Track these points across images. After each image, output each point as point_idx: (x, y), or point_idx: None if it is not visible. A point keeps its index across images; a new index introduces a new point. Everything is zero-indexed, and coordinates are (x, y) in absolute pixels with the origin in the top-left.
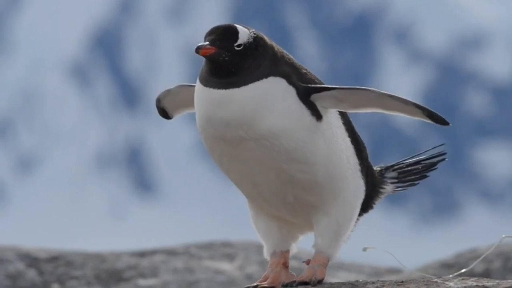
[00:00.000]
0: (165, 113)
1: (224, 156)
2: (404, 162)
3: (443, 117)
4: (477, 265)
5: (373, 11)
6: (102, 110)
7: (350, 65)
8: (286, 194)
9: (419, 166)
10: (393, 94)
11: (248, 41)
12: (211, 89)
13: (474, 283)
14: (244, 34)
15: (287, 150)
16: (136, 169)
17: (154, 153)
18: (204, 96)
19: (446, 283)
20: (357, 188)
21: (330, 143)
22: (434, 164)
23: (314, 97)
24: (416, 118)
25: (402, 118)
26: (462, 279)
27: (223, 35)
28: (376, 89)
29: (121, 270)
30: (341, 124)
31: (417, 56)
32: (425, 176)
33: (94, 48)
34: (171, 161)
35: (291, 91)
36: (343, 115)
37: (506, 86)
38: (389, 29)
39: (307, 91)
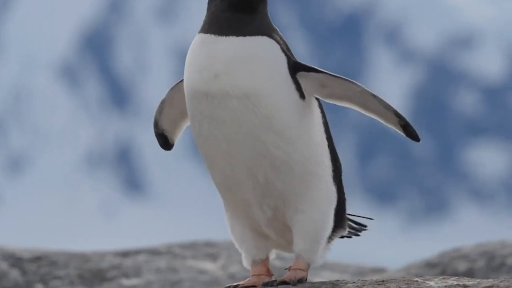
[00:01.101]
0: (166, 141)
1: (205, 120)
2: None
3: (417, 133)
4: (460, 264)
5: (363, 11)
6: (92, 110)
7: (340, 64)
8: (257, 173)
9: (352, 224)
10: (377, 95)
11: None
12: (211, 36)
13: (455, 282)
14: None
15: (267, 116)
16: (125, 169)
17: (143, 153)
18: (200, 45)
19: (427, 282)
20: (329, 191)
21: (309, 128)
22: (358, 230)
23: (300, 75)
24: (390, 126)
25: None
26: (443, 279)
27: None
28: (362, 86)
29: (104, 270)
30: (321, 122)
31: (408, 55)
32: (357, 235)
33: (83, 48)
34: (160, 161)
35: (283, 59)
36: (324, 116)
37: (496, 86)
38: (379, 29)
39: (297, 66)
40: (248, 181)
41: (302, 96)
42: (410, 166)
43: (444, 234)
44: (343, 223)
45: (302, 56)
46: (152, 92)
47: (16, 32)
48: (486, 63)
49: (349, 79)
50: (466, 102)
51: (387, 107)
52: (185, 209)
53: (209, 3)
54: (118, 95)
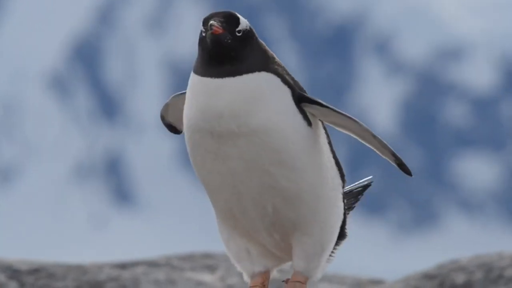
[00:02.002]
0: (173, 128)
1: (208, 155)
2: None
3: (410, 169)
4: (458, 276)
5: (353, 23)
6: (81, 121)
7: (330, 76)
8: (266, 204)
9: (353, 192)
10: (376, 134)
11: (246, 29)
12: (207, 79)
13: None
14: (244, 21)
15: (277, 149)
16: (115, 180)
17: (134, 164)
18: (199, 86)
19: None
20: (338, 209)
21: (318, 154)
22: (363, 189)
23: (304, 105)
24: (386, 159)
25: (383, 129)
26: None
27: (226, 19)
28: (363, 124)
29: (102, 282)
30: (326, 142)
31: (397, 67)
32: (358, 200)
33: (73, 60)
34: (151, 172)
35: (286, 91)
36: (327, 135)
37: (485, 97)
38: (369, 41)
39: (300, 97)
40: (256, 212)
41: (309, 123)
42: (400, 177)
43: (434, 244)
44: (344, 232)
45: (293, 68)
46: (142, 103)
47: (6, 43)
48: (476, 75)
49: (352, 117)
50: (455, 113)
51: (385, 147)
52: (176, 219)
53: (198, 46)
54: (108, 107)
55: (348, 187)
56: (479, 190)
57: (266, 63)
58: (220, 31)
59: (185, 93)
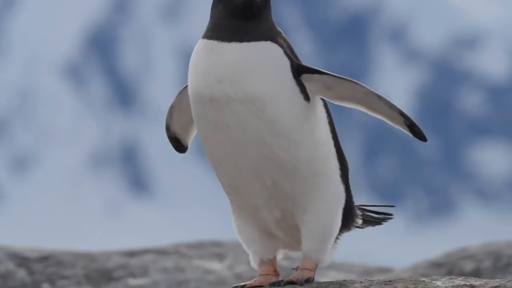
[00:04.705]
0: (179, 143)
1: (209, 125)
2: (365, 207)
3: (423, 133)
4: (467, 264)
5: (368, 11)
6: (96, 109)
7: (345, 64)
8: (264, 176)
9: (374, 215)
10: (382, 95)
11: None
12: (214, 42)
13: (462, 282)
14: None
15: (271, 119)
16: (130, 168)
17: (149, 153)
18: (205, 49)
19: (434, 282)
20: (337, 190)
21: (314, 128)
22: (382, 220)
23: (304, 77)
24: (396, 126)
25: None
26: (450, 279)
27: None
28: (367, 87)
29: (111, 270)
30: (327, 122)
31: (412, 55)
32: (380, 224)
33: (88, 48)
34: (165, 161)
35: (285, 62)
36: (329, 116)
37: (501, 85)
38: (384, 29)
39: (300, 68)
40: (255, 183)
41: (306, 98)
42: (416, 165)
43: (449, 233)
44: (349, 222)
45: (308, 56)
46: (158, 91)
47: (21, 31)
48: (491, 63)
49: (353, 80)
50: (471, 102)
51: (392, 107)
52: (191, 208)
53: (212, 9)
54: (123, 95)
55: (369, 206)
56: (495, 179)
57: (273, 35)
58: None
59: (187, 86)
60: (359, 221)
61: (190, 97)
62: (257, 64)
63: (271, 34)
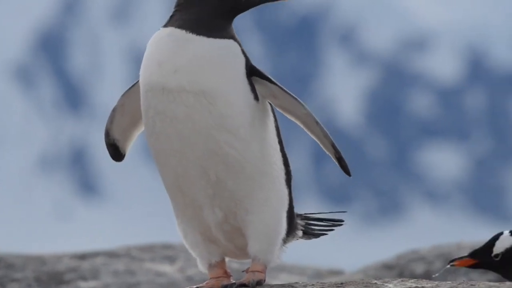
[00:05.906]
0: (116, 151)
1: (158, 116)
2: (310, 215)
3: (349, 168)
4: (417, 266)
5: (318, 13)
6: (46, 112)
7: (295, 66)
8: (209, 171)
9: (322, 223)
10: (320, 122)
11: None
12: (181, 31)
13: (414, 285)
14: None
15: (221, 114)
16: (80, 171)
17: (99, 155)
18: (170, 37)
19: (386, 284)
20: (281, 193)
21: (262, 129)
22: (334, 226)
23: (255, 79)
24: (327, 153)
25: (348, 120)
26: (402, 281)
27: None
28: (308, 109)
29: (61, 273)
30: (273, 124)
31: (362, 57)
32: (325, 234)
33: (37, 50)
34: (115, 164)
35: (241, 61)
36: (276, 121)
37: (450, 88)
38: (334, 31)
39: (253, 70)
40: (200, 180)
41: (256, 97)
42: (365, 167)
43: (399, 235)
44: (292, 228)
45: (257, 58)
46: (107, 94)
47: None
48: (440, 66)
49: (298, 99)
50: (420, 104)
51: (326, 136)
52: (142, 211)
53: (182, 2)
54: (73, 97)
55: (318, 214)
56: (444, 180)
57: (234, 33)
58: None
59: (132, 87)
60: (299, 233)
61: (141, 86)
62: (215, 59)
63: (232, 33)
